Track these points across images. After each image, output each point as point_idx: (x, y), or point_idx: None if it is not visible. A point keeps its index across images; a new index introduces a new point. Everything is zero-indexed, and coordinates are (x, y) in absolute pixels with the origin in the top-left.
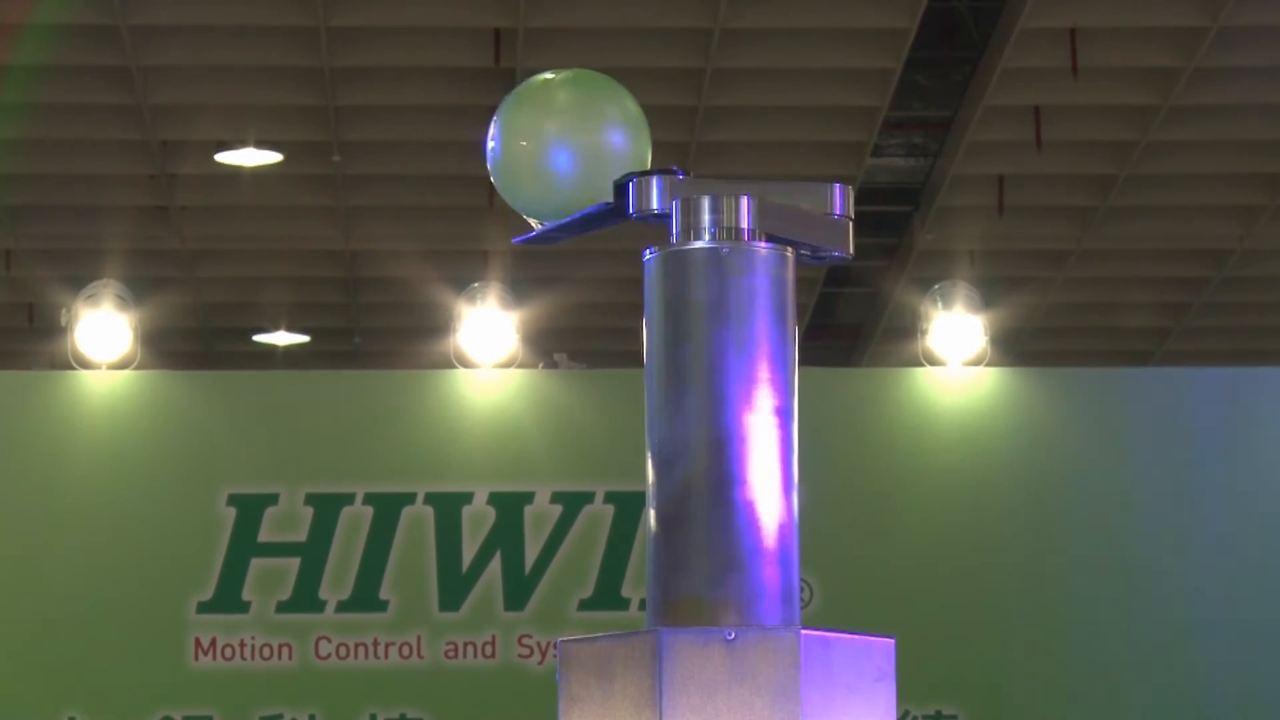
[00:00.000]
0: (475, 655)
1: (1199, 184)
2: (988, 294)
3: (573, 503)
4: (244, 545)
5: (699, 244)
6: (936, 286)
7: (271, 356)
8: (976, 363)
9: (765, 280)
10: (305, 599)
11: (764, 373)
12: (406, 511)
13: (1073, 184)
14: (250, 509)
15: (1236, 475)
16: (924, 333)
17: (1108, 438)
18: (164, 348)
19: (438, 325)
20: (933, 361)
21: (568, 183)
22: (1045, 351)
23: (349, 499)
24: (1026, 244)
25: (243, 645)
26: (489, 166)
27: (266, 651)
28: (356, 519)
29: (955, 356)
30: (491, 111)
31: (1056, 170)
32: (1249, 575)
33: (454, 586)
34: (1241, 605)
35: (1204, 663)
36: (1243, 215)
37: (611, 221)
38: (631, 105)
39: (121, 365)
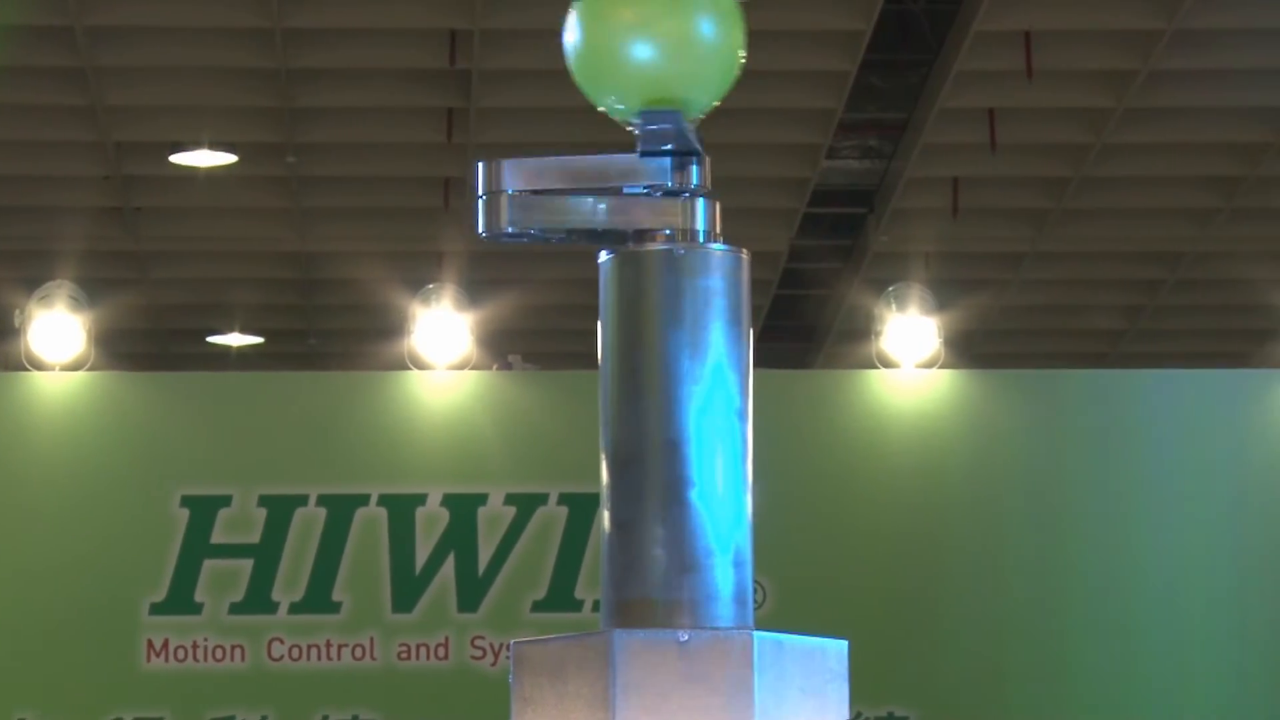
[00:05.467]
0: (428, 656)
1: (1154, 186)
2: (942, 296)
3: (527, 504)
4: (197, 546)
5: (654, 246)
6: (891, 289)
7: (226, 358)
8: (930, 365)
9: (720, 282)
10: (258, 600)
11: (718, 375)
12: (360, 513)
13: (1027, 186)
14: (203, 510)
15: (1190, 477)
16: (878, 335)
17: (1061, 440)
18: (117, 349)
19: (392, 327)
20: (887, 364)
21: (652, 74)
22: (999, 354)
23: (302, 500)
24: (981, 246)
25: (195, 646)
26: (568, 60)
27: (219, 653)
28: (310, 520)
29: (909, 359)
30: (448, 114)
31: (1011, 172)
32: (1200, 575)
33: (407, 588)
34: (1191, 605)
35: (1152, 663)
36: (1197, 218)
37: None
38: None
39: (75, 366)
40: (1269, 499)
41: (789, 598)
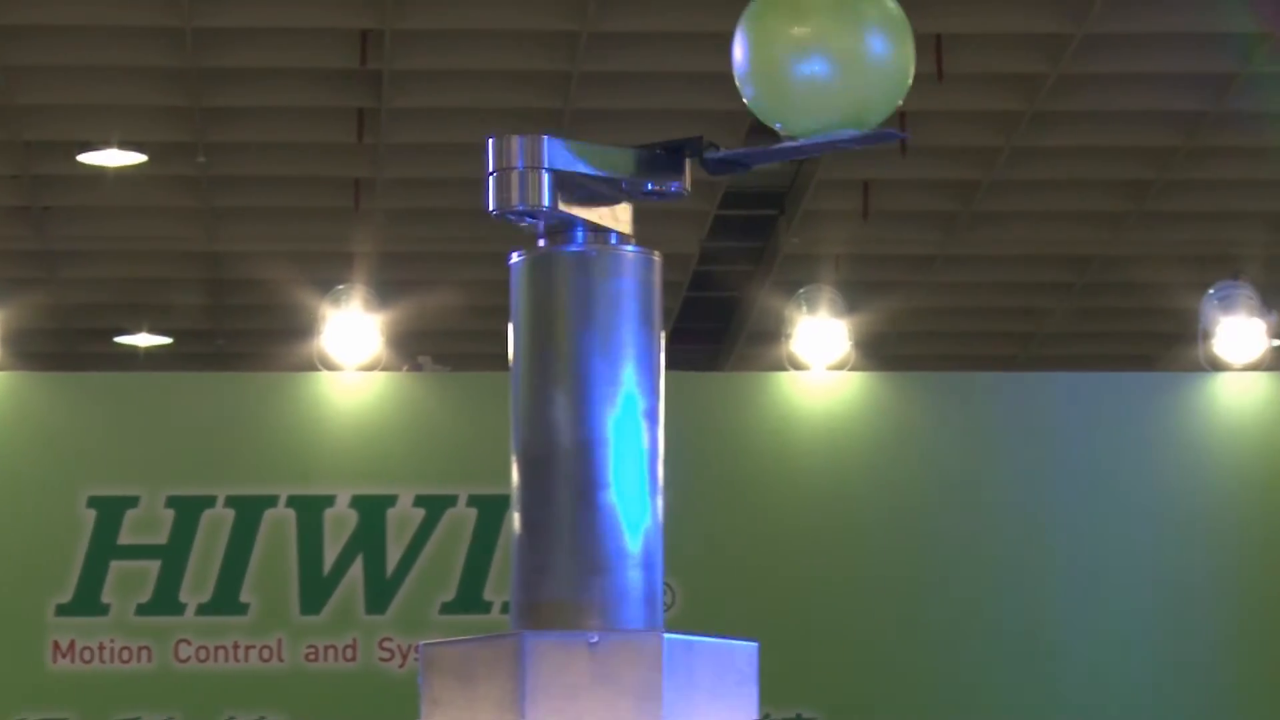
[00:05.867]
0: (336, 658)
1: (1064, 190)
2: (852, 298)
3: (435, 506)
4: (104, 547)
5: (566, 248)
6: (801, 291)
7: (134, 358)
8: (841, 367)
9: (632, 284)
10: (165, 601)
11: (630, 376)
12: (268, 514)
13: (938, 189)
14: (110, 511)
15: (1098, 479)
16: (788, 337)
17: (971, 442)
18: (24, 349)
19: (302, 328)
20: (797, 366)
21: (823, 92)
22: (909, 356)
23: (210, 502)
24: (891, 249)
25: (102, 648)
26: (736, 78)
27: (126, 654)
28: (217, 521)
29: (819, 361)
30: (359, 114)
31: (922, 175)
32: (1111, 576)
33: (315, 589)
34: (1103, 606)
35: (1064, 662)
36: (1107, 221)
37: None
38: (892, 5)
39: None
40: (1177, 500)
41: (699, 599)
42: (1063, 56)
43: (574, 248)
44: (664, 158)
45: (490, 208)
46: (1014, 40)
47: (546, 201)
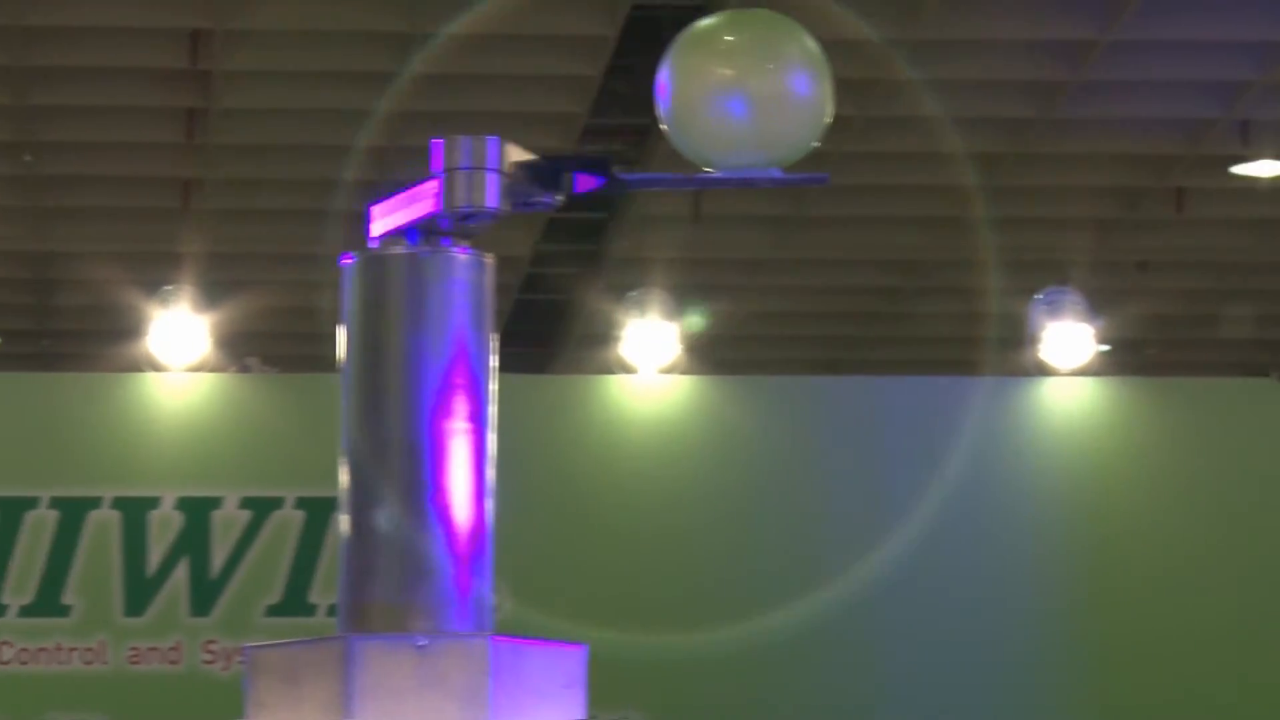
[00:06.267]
0: (160, 661)
1: (892, 194)
2: (683, 301)
3: (262, 508)
4: None
5: (398, 249)
6: (631, 294)
7: None
8: (671, 370)
9: (464, 286)
10: None
11: (461, 379)
12: (92, 515)
13: (768, 193)
14: None
15: (925, 482)
16: (619, 340)
17: (800, 445)
18: None
19: (129, 328)
20: (627, 369)
21: (743, 131)
22: (740, 359)
23: (33, 503)
24: (722, 252)
25: None
26: (659, 114)
27: None
28: (41, 522)
29: (649, 364)
30: (188, 114)
31: None
32: (937, 577)
33: (139, 591)
34: (929, 606)
35: (892, 661)
36: (935, 226)
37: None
38: (812, 45)
39: None
40: (1004, 504)
41: (529, 602)
42: (892, 61)
43: (406, 249)
44: (546, 170)
45: (437, 208)
46: (844, 45)
47: (492, 202)
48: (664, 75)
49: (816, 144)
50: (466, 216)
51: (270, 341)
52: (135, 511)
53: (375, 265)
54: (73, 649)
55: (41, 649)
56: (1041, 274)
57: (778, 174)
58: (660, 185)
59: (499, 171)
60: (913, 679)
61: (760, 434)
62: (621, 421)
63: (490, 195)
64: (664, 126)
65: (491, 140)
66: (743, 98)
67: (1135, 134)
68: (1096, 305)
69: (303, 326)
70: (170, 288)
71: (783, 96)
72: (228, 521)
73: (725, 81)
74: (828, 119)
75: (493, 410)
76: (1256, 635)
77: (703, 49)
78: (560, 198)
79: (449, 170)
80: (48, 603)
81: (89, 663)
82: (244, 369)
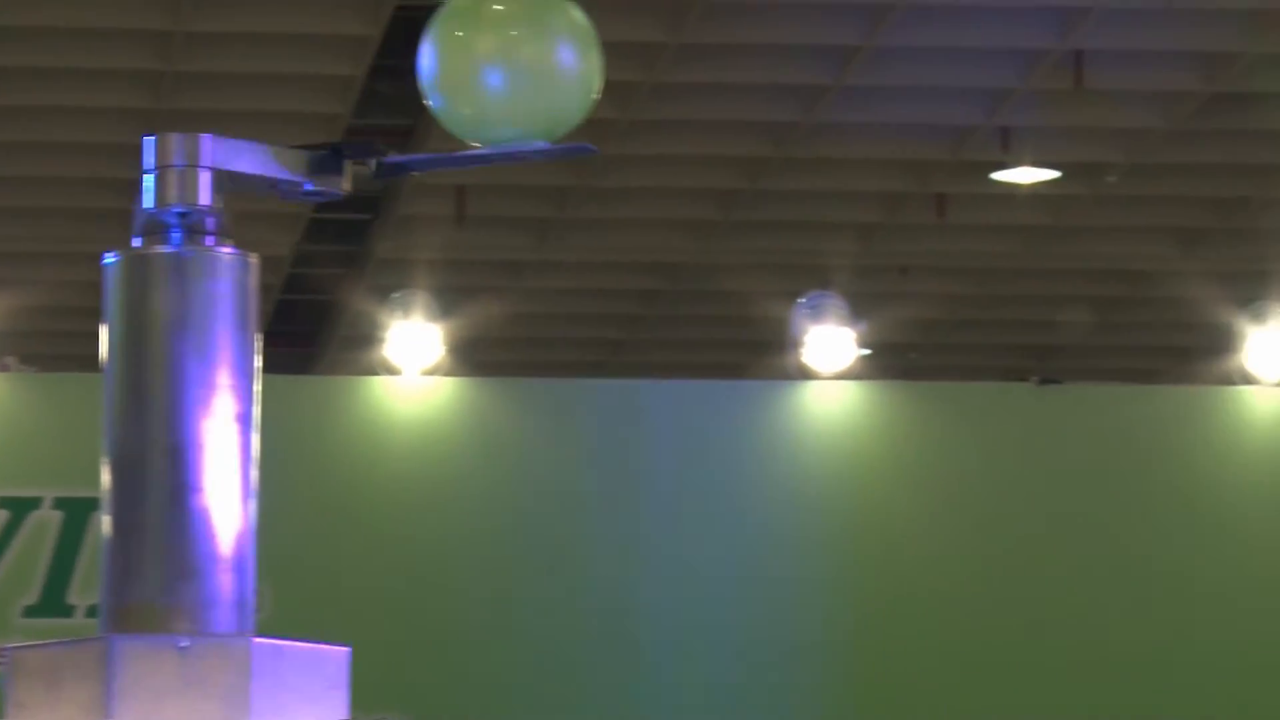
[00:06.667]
0: None
1: (655, 197)
2: (446, 303)
3: (19, 508)
4: None
5: (161, 249)
6: (395, 295)
7: None
8: (434, 372)
9: (228, 286)
10: None
11: (224, 380)
12: None
13: (532, 195)
14: None
15: (688, 484)
16: (382, 341)
17: (562, 448)
18: None
19: None
20: (390, 370)
21: (504, 104)
22: (503, 361)
23: None
24: (485, 254)
25: None
26: (421, 83)
27: None
28: None
29: (413, 365)
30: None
31: (517, 181)
32: (700, 579)
33: None
34: (692, 607)
35: (656, 660)
36: (698, 229)
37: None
38: (579, 17)
39: None
40: (767, 506)
41: (292, 604)
42: (657, 64)
43: (169, 249)
44: (327, 159)
45: (147, 205)
46: (608, 48)
47: (206, 200)
48: (426, 48)
49: (584, 116)
50: (184, 214)
51: (29, 341)
52: None
53: (138, 264)
54: None
55: None
56: (804, 278)
57: (544, 146)
58: (427, 166)
59: (212, 169)
60: (674, 678)
61: (523, 436)
62: (385, 423)
63: (203, 193)
64: (427, 101)
65: (204, 137)
66: (506, 69)
67: (898, 139)
68: (858, 309)
69: (63, 325)
70: None
71: (549, 68)
72: None
73: (488, 53)
74: (595, 95)
75: (256, 411)
76: (1009, 637)
77: (466, 20)
78: (345, 186)
79: (161, 168)
80: None
81: None
82: (3, 368)
